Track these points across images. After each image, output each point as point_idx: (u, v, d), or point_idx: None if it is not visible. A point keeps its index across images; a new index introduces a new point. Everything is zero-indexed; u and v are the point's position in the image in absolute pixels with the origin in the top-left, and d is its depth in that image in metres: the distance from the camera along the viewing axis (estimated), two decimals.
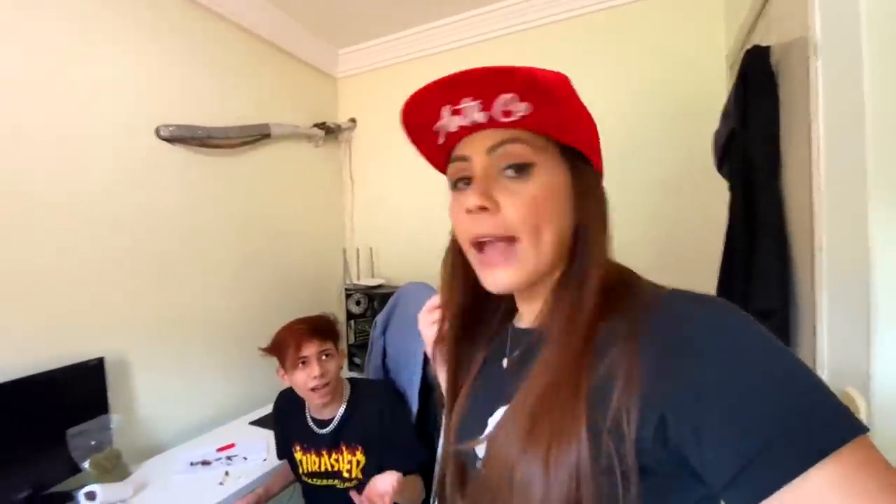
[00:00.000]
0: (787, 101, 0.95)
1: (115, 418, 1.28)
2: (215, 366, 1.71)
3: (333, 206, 2.41)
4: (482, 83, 0.41)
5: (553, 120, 0.43)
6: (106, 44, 1.38)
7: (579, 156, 0.46)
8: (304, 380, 1.11)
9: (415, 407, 1.26)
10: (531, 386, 0.41)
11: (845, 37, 0.68)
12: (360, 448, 1.14)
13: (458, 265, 0.54)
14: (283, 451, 1.27)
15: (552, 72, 0.40)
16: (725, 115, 1.21)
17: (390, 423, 1.16)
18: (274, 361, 1.18)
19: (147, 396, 1.46)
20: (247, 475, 1.30)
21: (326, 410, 1.18)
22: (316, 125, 2.24)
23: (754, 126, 1.04)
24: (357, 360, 2.04)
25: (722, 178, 1.25)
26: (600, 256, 0.44)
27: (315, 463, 1.17)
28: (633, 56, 1.78)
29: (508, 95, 0.41)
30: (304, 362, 1.12)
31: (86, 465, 1.18)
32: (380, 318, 1.44)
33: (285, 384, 1.19)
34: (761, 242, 1.01)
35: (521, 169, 0.43)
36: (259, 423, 1.65)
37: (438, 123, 0.47)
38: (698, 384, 0.33)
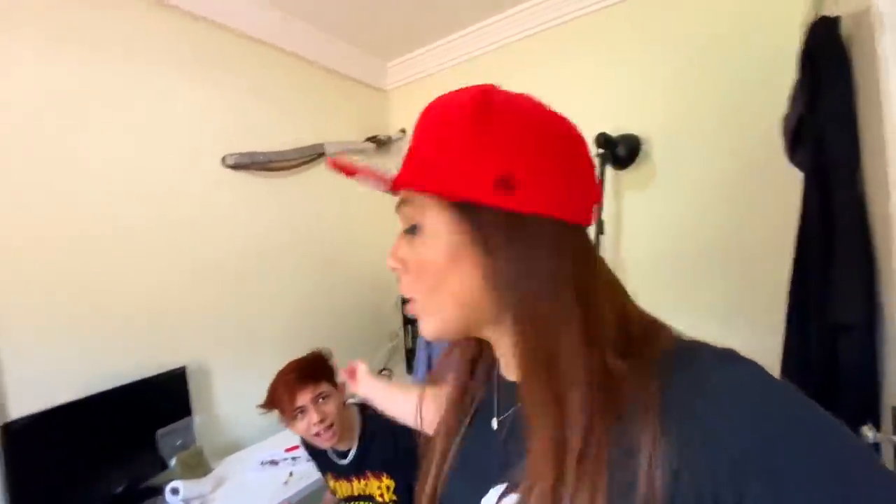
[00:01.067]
0: (863, 83, 0.80)
1: (197, 420, 1.45)
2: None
3: (389, 215, 2.48)
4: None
5: (420, 172, 0.38)
6: (177, 82, 1.56)
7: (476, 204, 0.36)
8: (305, 428, 1.10)
9: None
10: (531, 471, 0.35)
11: None
12: (384, 474, 1.14)
13: None
14: (325, 479, 1.29)
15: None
16: (794, 96, 1.05)
17: (409, 440, 1.09)
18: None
19: (225, 399, 1.63)
20: (308, 476, 1.40)
21: (343, 443, 1.17)
22: (368, 139, 2.33)
23: (826, 111, 0.89)
24: (413, 363, 2.09)
25: (793, 171, 1.09)
26: (522, 312, 0.36)
27: (348, 489, 1.19)
28: (691, 34, 1.59)
29: (409, 147, 0.42)
30: (301, 411, 1.11)
31: (173, 462, 1.35)
32: None
33: (293, 433, 1.18)
34: (840, 248, 0.88)
35: (412, 230, 0.40)
36: None
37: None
38: (735, 476, 0.28)
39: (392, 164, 2.51)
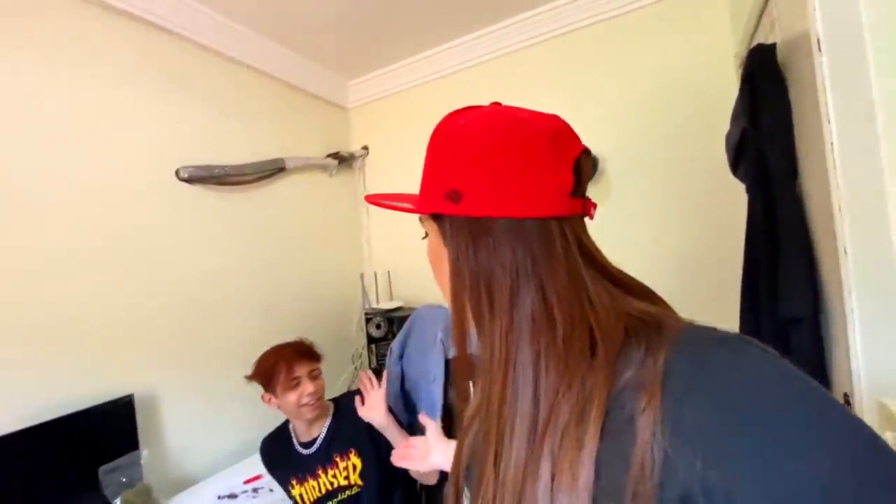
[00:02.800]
0: (797, 100, 0.91)
1: (145, 454, 1.32)
2: (241, 397, 1.72)
3: (350, 233, 2.45)
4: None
5: (418, 195, 0.47)
6: (125, 92, 1.47)
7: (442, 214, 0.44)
8: (296, 398, 1.16)
9: None
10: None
11: (848, 31, 0.65)
12: (353, 451, 1.18)
13: None
14: (288, 493, 1.26)
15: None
16: (735, 116, 1.17)
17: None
18: None
19: (176, 431, 1.49)
20: None
21: (313, 429, 1.22)
22: (329, 155, 2.30)
23: (766, 126, 1.00)
24: None
25: (738, 182, 1.20)
26: (458, 321, 0.43)
27: (314, 489, 1.19)
28: (640, 63, 1.75)
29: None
30: (296, 383, 1.17)
31: (117, 501, 1.21)
32: (395, 344, 1.44)
33: (271, 408, 1.22)
34: (784, 247, 0.97)
35: (426, 237, 0.50)
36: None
37: None
38: (732, 455, 0.29)
39: (356, 179, 2.49)
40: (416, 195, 0.48)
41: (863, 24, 0.59)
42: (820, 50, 0.71)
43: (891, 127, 0.58)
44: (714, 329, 0.36)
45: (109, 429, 1.26)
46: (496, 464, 0.39)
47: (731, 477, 0.28)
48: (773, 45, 0.96)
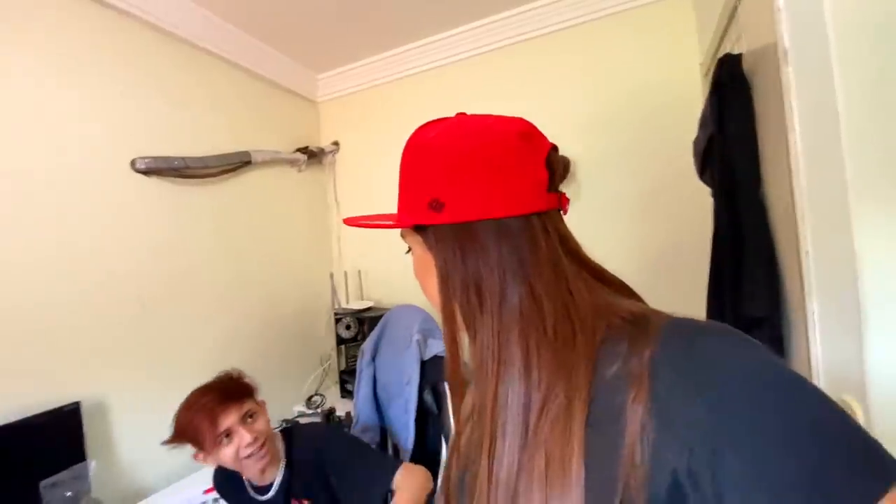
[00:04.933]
0: (762, 108, 0.95)
1: (93, 466, 1.22)
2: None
3: (319, 231, 2.38)
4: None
5: (397, 211, 0.48)
6: (75, 77, 1.36)
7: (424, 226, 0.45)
8: (233, 452, 0.96)
9: (411, 436, 1.22)
10: None
11: (813, 42, 0.68)
12: (308, 500, 1.05)
13: None
14: None
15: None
16: (703, 122, 1.21)
17: (335, 467, 1.06)
18: None
19: (128, 440, 1.40)
20: None
21: (266, 475, 1.05)
22: (298, 150, 2.23)
23: (732, 133, 1.04)
24: (349, 387, 1.99)
25: (705, 187, 1.25)
26: (450, 331, 0.43)
27: None
28: (608, 69, 1.79)
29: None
30: (228, 435, 0.97)
31: None
32: (367, 345, 1.41)
33: (210, 467, 1.06)
34: (748, 249, 1.00)
35: (409, 251, 0.50)
36: None
37: None
38: (716, 436, 0.30)
39: (326, 175, 2.42)
40: (394, 214, 0.49)
41: (828, 35, 0.62)
42: (786, 60, 0.74)
43: (854, 135, 0.61)
44: (697, 320, 0.37)
45: (53, 439, 1.16)
46: (490, 464, 0.39)
47: (717, 465, 0.29)
48: (740, 56, 1.00)
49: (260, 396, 1.08)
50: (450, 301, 0.42)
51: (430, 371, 1.23)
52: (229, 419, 0.97)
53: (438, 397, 1.22)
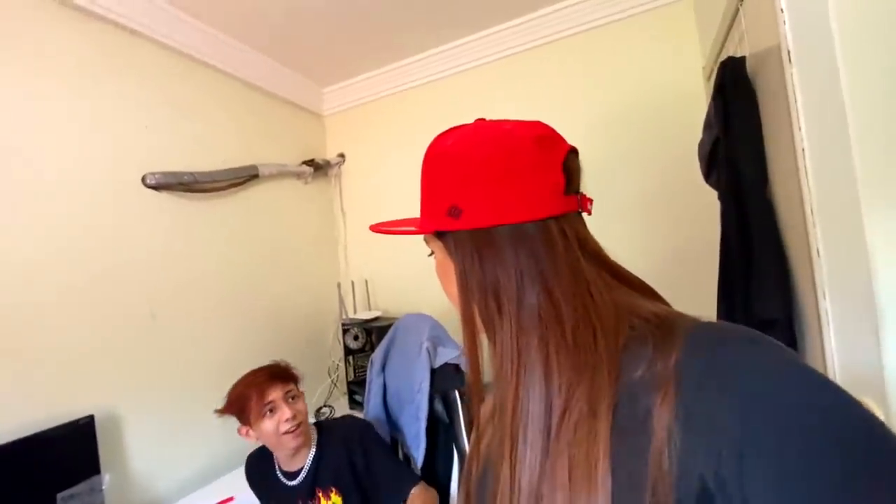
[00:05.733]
0: (767, 109, 0.95)
1: (107, 478, 1.23)
2: (212, 414, 1.65)
3: (326, 242, 2.40)
4: None
5: (420, 217, 0.49)
6: (88, 93, 1.39)
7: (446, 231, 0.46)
8: (274, 426, 1.06)
9: (422, 445, 1.21)
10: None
11: (817, 42, 0.68)
12: (334, 490, 1.11)
13: None
14: None
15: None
16: (708, 125, 1.21)
17: (363, 461, 1.13)
18: None
19: (141, 452, 1.41)
20: None
21: (296, 460, 1.13)
22: (304, 162, 2.26)
23: (738, 135, 1.04)
24: (357, 398, 1.98)
25: (711, 189, 1.24)
26: (470, 334, 0.44)
27: None
28: (610, 75, 1.80)
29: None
30: (271, 409, 1.08)
31: None
32: (377, 355, 1.41)
33: (250, 441, 1.14)
34: (757, 251, 1.00)
35: (432, 254, 0.51)
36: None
37: None
38: (743, 442, 0.29)
39: (332, 187, 2.44)
40: (417, 218, 0.50)
41: (833, 34, 0.62)
42: (790, 61, 0.74)
43: (861, 133, 0.61)
44: (724, 324, 0.36)
45: (68, 453, 1.17)
46: (512, 469, 0.39)
47: (745, 470, 0.28)
48: (743, 58, 1.00)
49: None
50: (469, 305, 0.43)
51: (440, 379, 1.22)
52: (274, 394, 1.08)
53: (449, 406, 1.21)
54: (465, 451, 1.16)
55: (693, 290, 1.56)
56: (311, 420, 1.22)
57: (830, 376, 0.75)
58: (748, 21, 1.01)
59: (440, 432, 1.21)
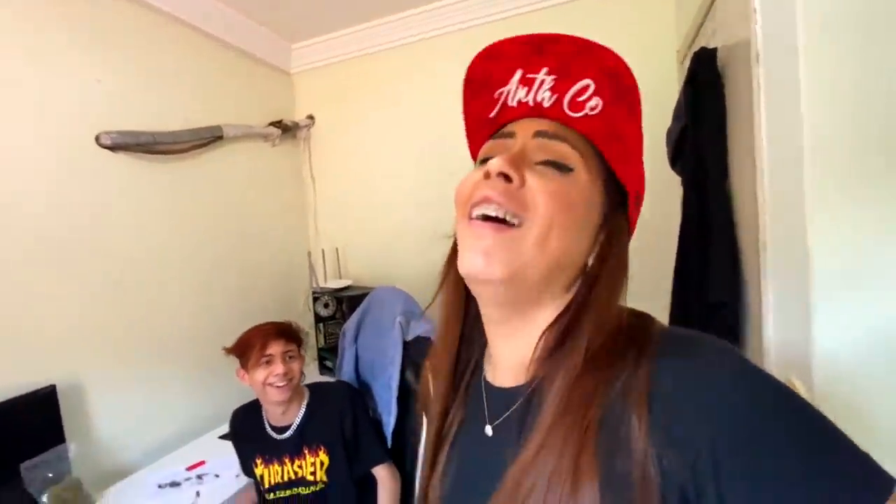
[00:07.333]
0: (732, 104, 0.99)
1: (72, 448, 1.22)
2: (179, 380, 1.65)
3: (295, 208, 2.35)
4: (569, 57, 0.38)
5: (613, 140, 0.40)
6: (34, 45, 1.27)
7: (618, 199, 0.43)
8: (265, 377, 1.12)
9: (393, 413, 1.26)
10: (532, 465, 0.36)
11: (784, 48, 0.71)
12: (322, 448, 1.17)
13: (461, 280, 0.43)
14: (248, 470, 1.25)
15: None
16: (677, 114, 1.25)
17: (351, 425, 1.19)
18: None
19: (107, 420, 1.40)
20: (219, 493, 1.27)
21: (287, 415, 1.19)
22: (272, 124, 2.16)
23: (704, 126, 1.08)
24: (328, 364, 2.02)
25: (675, 175, 1.30)
26: (610, 309, 0.39)
27: (278, 473, 1.18)
28: None
29: (587, 81, 0.38)
30: (268, 361, 1.14)
31: (44, 498, 1.12)
32: (349, 326, 1.43)
33: (244, 384, 1.19)
34: (713, 239, 1.07)
35: (560, 167, 0.38)
36: (228, 436, 1.61)
37: (503, 88, 0.42)
38: (716, 450, 0.30)
39: (301, 151, 2.35)
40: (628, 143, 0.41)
41: (798, 46, 0.65)
42: (758, 62, 0.77)
43: (815, 140, 0.66)
44: (691, 333, 0.37)
45: (29, 423, 1.15)
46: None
47: (719, 478, 0.29)
48: (715, 50, 1.03)
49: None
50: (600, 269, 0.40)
51: (413, 351, 1.26)
52: (275, 348, 1.14)
53: (420, 376, 1.26)
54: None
55: (651, 271, 1.65)
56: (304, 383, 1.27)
57: (764, 355, 0.83)
58: (722, 15, 1.03)
59: (411, 400, 1.27)
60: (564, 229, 0.37)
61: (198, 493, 1.27)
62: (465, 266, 0.38)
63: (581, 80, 0.38)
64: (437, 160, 2.02)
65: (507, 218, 0.37)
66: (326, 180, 2.35)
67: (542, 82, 0.39)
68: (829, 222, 0.70)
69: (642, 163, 0.44)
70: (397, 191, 2.17)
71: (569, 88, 0.39)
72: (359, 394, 1.30)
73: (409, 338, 1.27)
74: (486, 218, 0.37)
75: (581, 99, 0.38)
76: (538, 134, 0.39)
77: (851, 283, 0.65)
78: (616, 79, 0.38)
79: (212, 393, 1.74)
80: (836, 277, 0.69)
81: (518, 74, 0.40)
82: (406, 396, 1.27)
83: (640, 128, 0.41)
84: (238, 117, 1.97)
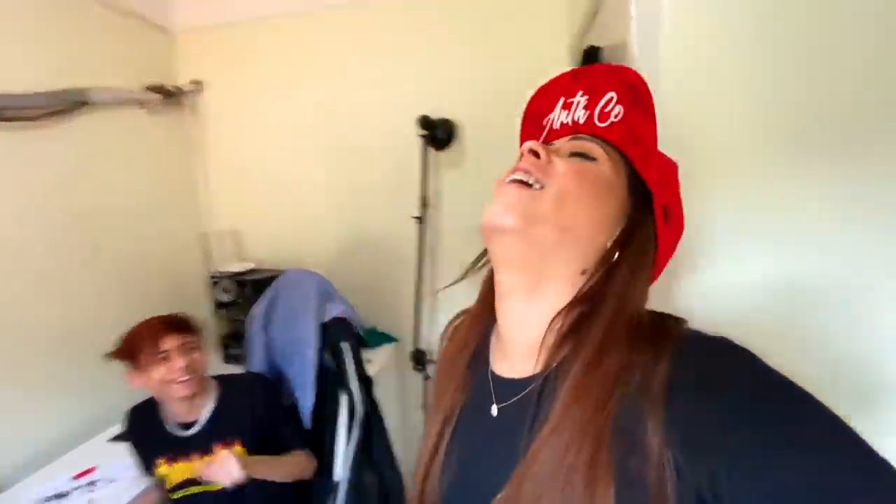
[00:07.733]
0: None
1: None
2: (57, 381, 1.45)
3: (182, 183, 2.12)
4: (596, 77, 0.46)
5: (634, 136, 0.44)
6: None
7: (646, 202, 0.45)
8: (165, 373, 1.03)
9: (311, 397, 1.26)
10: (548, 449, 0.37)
11: (655, 55, 0.84)
12: (237, 441, 1.11)
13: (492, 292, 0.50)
14: (148, 471, 1.16)
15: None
16: None
17: (265, 415, 1.16)
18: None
19: None
20: (116, 498, 1.17)
21: (192, 410, 1.12)
22: (150, 88, 1.91)
23: None
24: (232, 351, 1.91)
25: None
26: (627, 302, 0.41)
27: (184, 471, 1.10)
28: (486, 35, 1.82)
29: (611, 94, 0.45)
30: (164, 357, 1.04)
31: None
32: (257, 312, 1.37)
33: (139, 389, 1.09)
34: None
35: (584, 156, 0.44)
36: (122, 437, 1.47)
37: (549, 115, 0.50)
38: (734, 453, 0.30)
39: (186, 120, 2.12)
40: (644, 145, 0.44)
41: (660, 68, 0.77)
42: (635, 64, 0.89)
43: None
44: (708, 337, 0.38)
45: None
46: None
47: (739, 485, 0.29)
48: (601, 49, 1.15)
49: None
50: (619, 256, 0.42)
51: (330, 332, 1.27)
52: (170, 343, 1.04)
53: (337, 355, 1.28)
54: (353, 393, 1.25)
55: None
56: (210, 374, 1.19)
57: None
58: (607, 18, 1.15)
59: (328, 381, 1.28)
60: (579, 198, 0.42)
61: (90, 502, 1.16)
62: (486, 217, 0.43)
63: (606, 93, 0.46)
64: (345, 135, 1.97)
65: (531, 182, 0.42)
66: (219, 154, 2.15)
67: (578, 103, 0.47)
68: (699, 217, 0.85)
69: (674, 178, 0.50)
70: (302, 167, 2.06)
71: (597, 103, 0.46)
72: (271, 383, 1.27)
73: (327, 319, 1.27)
74: (514, 182, 0.43)
75: (607, 109, 0.45)
76: (570, 139, 0.47)
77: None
78: (634, 88, 0.44)
79: (97, 392, 1.56)
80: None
81: (561, 102, 0.49)
82: (323, 377, 1.28)
83: (655, 132, 0.45)
84: (107, 79, 1.71)
